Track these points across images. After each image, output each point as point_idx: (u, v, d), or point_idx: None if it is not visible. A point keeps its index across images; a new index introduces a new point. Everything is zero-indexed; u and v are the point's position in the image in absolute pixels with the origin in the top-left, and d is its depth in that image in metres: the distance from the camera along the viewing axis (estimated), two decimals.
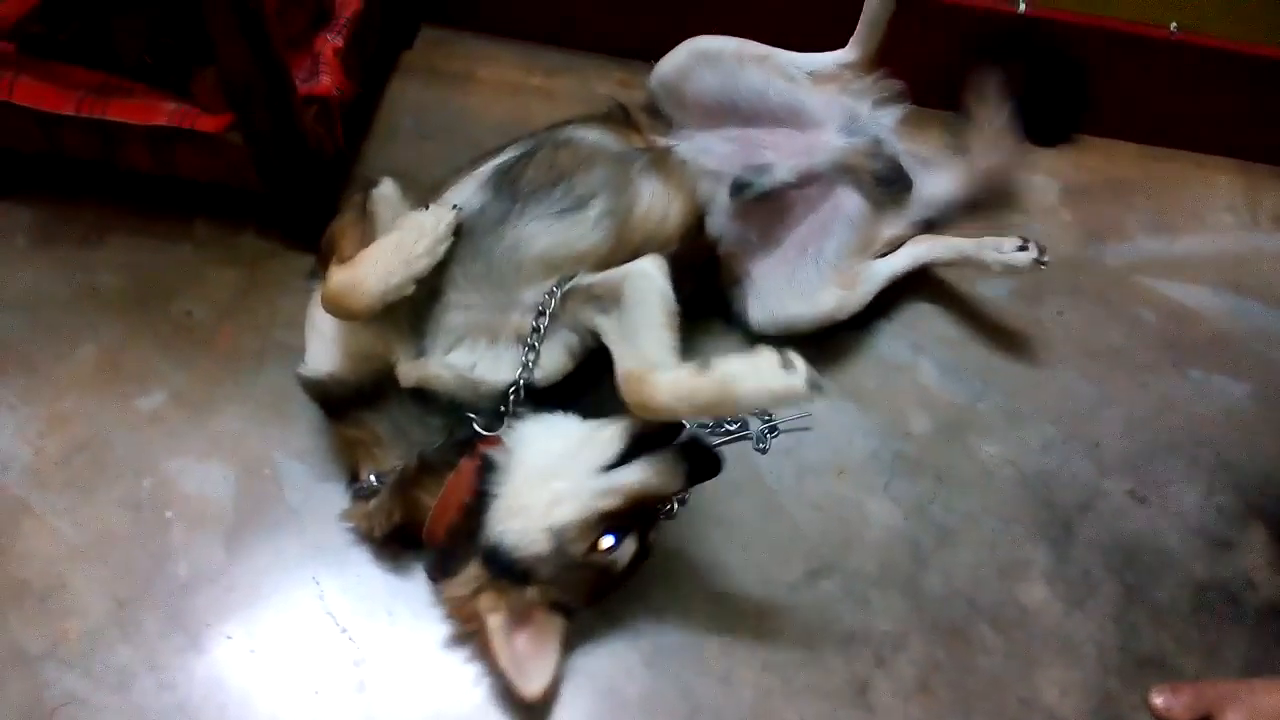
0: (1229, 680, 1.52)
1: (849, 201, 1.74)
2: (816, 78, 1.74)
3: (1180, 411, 1.80)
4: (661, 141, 1.68)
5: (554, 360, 1.41)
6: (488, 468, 1.34)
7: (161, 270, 1.79)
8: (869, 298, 1.77)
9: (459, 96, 2.07)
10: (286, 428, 1.64)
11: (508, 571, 1.32)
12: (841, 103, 1.75)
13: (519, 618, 1.35)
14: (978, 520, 1.66)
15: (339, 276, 1.32)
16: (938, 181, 1.89)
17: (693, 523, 1.61)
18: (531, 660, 1.34)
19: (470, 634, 1.40)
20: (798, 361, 1.22)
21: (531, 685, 1.33)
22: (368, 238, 1.37)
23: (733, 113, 1.72)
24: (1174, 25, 1.96)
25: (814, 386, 1.21)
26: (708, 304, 1.75)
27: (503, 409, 1.38)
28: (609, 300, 1.38)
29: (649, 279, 1.38)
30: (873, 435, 1.73)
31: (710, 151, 1.68)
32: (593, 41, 2.14)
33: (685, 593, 1.55)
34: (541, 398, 1.41)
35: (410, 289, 1.32)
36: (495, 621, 1.33)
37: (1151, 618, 1.59)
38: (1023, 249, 1.74)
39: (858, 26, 1.75)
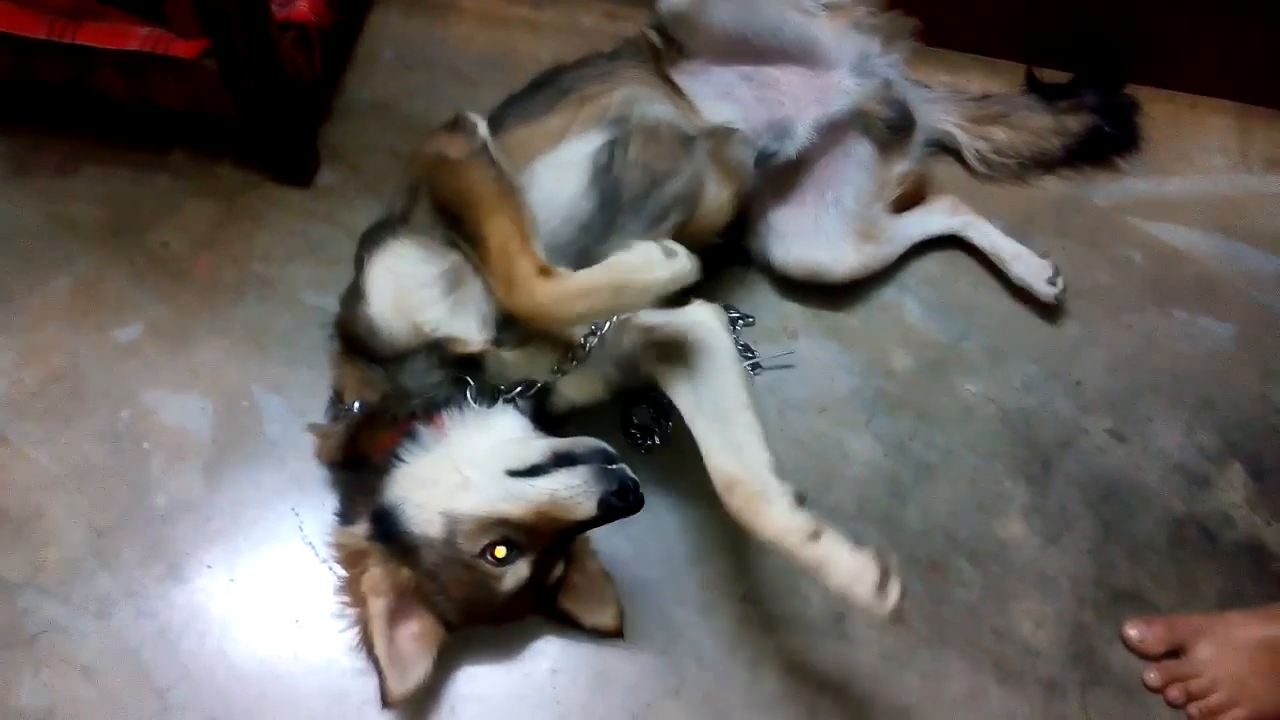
0: (1202, 614, 1.54)
1: (859, 147, 1.74)
2: (831, 10, 1.72)
3: (1164, 351, 1.80)
4: (703, 108, 1.65)
5: (590, 389, 1.42)
6: (408, 436, 1.32)
7: (138, 201, 1.76)
8: (895, 256, 1.80)
9: (441, 26, 2.03)
10: (265, 361, 1.63)
11: (392, 540, 1.28)
12: (854, 39, 1.73)
13: (401, 611, 1.30)
14: (958, 457, 1.66)
15: (549, 291, 1.26)
16: (936, 116, 1.90)
17: (674, 457, 1.61)
18: (409, 658, 1.29)
19: (355, 614, 1.32)
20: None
21: (402, 684, 1.28)
22: (519, 210, 1.30)
23: (745, 47, 1.69)
24: None
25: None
26: (726, 252, 1.73)
27: (501, 388, 1.35)
28: (674, 353, 1.38)
29: (715, 335, 1.38)
30: (855, 373, 1.73)
31: (729, 96, 1.67)
32: None
33: (666, 526, 1.56)
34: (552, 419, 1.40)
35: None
36: (377, 606, 1.27)
37: (1128, 553, 1.60)
38: (1051, 282, 1.77)
39: None
